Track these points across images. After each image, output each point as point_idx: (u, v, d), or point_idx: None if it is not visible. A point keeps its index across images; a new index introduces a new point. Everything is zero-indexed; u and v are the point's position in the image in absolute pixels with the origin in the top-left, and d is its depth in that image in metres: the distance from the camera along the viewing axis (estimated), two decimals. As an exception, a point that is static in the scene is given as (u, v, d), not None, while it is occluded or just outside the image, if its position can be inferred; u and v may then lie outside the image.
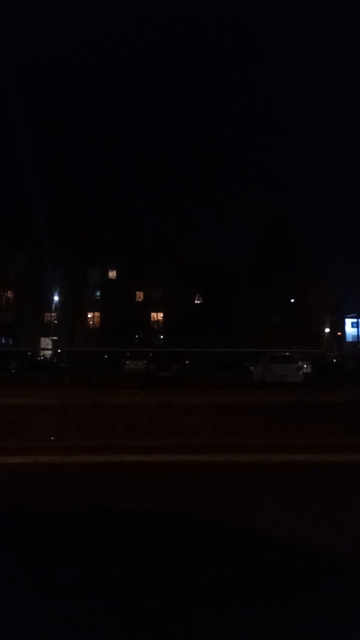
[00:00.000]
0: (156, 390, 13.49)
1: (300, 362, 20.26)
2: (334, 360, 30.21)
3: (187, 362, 23.34)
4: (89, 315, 49.19)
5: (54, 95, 62.25)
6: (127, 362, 25.71)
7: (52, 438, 9.80)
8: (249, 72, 61.48)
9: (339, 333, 50.38)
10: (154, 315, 49.34)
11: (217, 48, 62.21)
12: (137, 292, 49.18)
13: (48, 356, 32.70)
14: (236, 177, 54.72)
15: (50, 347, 42.94)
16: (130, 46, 63.04)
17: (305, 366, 20.67)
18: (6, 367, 25.04)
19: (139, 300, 49.24)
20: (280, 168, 60.23)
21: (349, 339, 47.16)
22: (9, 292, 46.22)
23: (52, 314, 46.18)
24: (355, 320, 45.54)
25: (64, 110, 61.70)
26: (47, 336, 46.60)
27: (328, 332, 48.99)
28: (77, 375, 21.30)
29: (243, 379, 18.96)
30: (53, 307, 44.99)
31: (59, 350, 35.86)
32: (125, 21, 60.84)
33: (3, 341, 42.46)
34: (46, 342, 46.91)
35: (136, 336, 45.85)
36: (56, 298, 44.13)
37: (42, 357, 35.20)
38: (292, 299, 43.33)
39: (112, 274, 50.11)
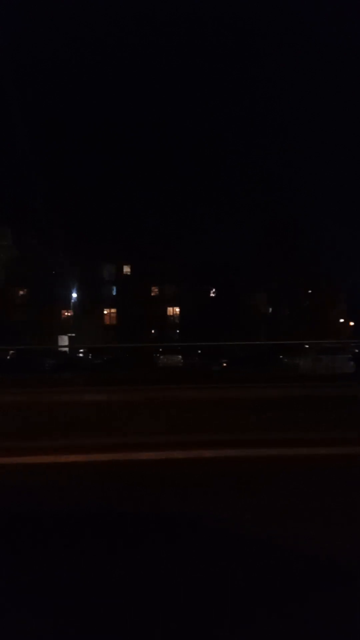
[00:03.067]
0: (220, 385, 13.66)
1: (351, 354, 20.43)
2: (357, 351, 30.32)
3: (224, 357, 23.52)
4: (105, 312, 49.41)
5: (54, 95, 62.27)
6: (161, 357, 25.84)
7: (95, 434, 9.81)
8: (249, 72, 61.54)
9: (351, 323, 50.83)
10: (170, 310, 49.62)
11: (217, 48, 62.16)
12: (153, 288, 49.38)
13: (78, 353, 32.79)
14: (244, 177, 54.93)
15: (80, 344, 43.10)
16: (130, 46, 62.99)
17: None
18: (41, 365, 25.17)
19: (154, 295, 49.49)
20: (285, 167, 60.55)
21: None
22: (25, 291, 46.36)
23: (69, 311, 46.51)
24: None
25: (67, 111, 61.69)
26: (64, 334, 46.92)
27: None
28: (117, 371, 21.40)
29: (292, 372, 19.15)
30: (71, 305, 45.29)
31: (77, 348, 36.18)
32: (125, 21, 60.74)
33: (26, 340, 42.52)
34: (63, 340, 47.22)
35: (152, 331, 46.11)
36: (74, 295, 44.52)
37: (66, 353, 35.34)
38: (309, 296, 43.67)
39: (127, 270, 50.32)
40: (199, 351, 25.67)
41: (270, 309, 47.13)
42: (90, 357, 26.51)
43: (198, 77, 64.33)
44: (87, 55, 64.41)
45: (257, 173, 52.94)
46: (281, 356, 22.82)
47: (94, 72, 64.95)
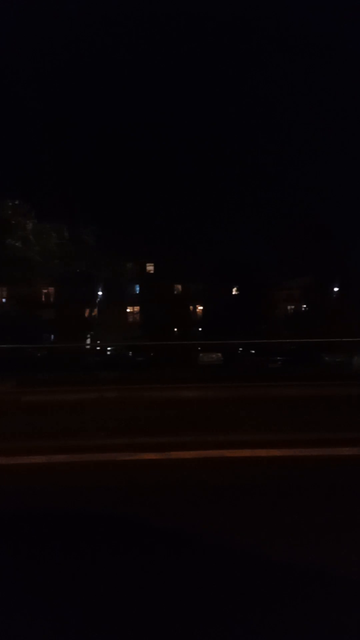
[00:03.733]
0: (295, 383, 13.75)
1: None
2: None
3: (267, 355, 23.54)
4: (129, 310, 49.49)
5: (67, 98, 62.18)
6: (201, 355, 25.92)
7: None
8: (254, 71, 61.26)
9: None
10: (193, 307, 49.61)
11: (218, 48, 61.75)
12: (177, 286, 49.38)
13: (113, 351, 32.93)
14: (265, 175, 55.06)
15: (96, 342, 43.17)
16: (130, 46, 62.77)
17: None
18: (83, 362, 25.39)
19: (177, 293, 49.49)
20: (305, 164, 60.46)
21: None
22: (50, 289, 46.43)
23: (94, 310, 46.58)
24: None
25: (80, 112, 61.62)
26: (89, 331, 47.10)
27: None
28: (164, 368, 21.46)
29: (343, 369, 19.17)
30: (97, 303, 45.38)
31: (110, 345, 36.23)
32: (126, 21, 60.52)
33: (53, 338, 42.68)
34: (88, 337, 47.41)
35: (174, 329, 46.06)
36: (100, 293, 44.62)
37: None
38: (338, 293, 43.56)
39: (150, 269, 50.41)
40: (240, 349, 25.72)
41: (293, 307, 47.14)
42: (130, 354, 26.63)
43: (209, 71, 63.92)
44: (87, 57, 64.06)
45: (277, 170, 52.94)
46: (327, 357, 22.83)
47: (95, 73, 64.71)
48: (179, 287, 49.31)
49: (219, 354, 25.51)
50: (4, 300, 44.89)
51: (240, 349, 26.01)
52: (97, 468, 5.39)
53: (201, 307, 49.32)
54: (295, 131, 59.36)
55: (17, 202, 39.34)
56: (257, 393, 12.06)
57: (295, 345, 23.99)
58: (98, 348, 33.93)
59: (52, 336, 42.68)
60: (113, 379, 16.50)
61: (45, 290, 41.36)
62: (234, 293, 48.35)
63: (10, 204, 39.36)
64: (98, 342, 41.51)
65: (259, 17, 64.59)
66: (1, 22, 51.04)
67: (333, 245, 41.72)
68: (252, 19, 60.97)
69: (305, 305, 44.60)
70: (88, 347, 37.56)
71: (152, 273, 50.04)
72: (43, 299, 41.12)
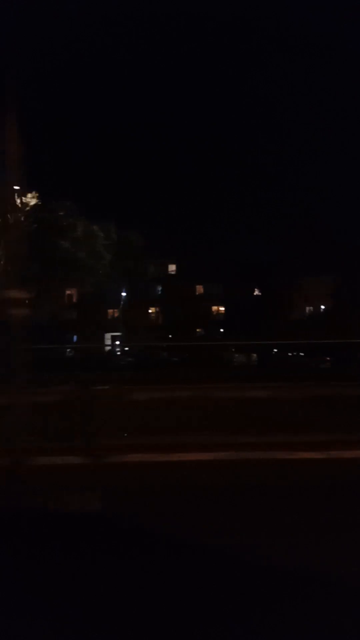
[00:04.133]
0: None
1: None
2: None
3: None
4: (151, 310, 49.65)
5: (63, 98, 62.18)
6: (236, 355, 26.07)
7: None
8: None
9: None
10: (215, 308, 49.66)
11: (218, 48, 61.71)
12: (198, 286, 49.43)
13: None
14: (270, 176, 55.32)
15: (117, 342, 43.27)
16: (130, 46, 62.83)
17: None
18: (116, 362, 25.49)
19: (199, 293, 49.55)
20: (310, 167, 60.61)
21: None
22: (73, 290, 46.66)
23: (116, 310, 46.80)
24: None
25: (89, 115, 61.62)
26: (110, 332, 47.23)
27: None
28: (202, 368, 21.32)
29: None
30: (121, 304, 45.65)
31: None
32: (126, 21, 60.63)
33: (75, 339, 42.86)
34: (108, 338, 47.54)
35: (197, 329, 46.00)
36: (124, 294, 44.92)
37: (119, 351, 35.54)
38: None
39: (172, 269, 50.49)
40: (274, 350, 25.82)
41: (311, 308, 47.11)
42: (165, 354, 26.81)
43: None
44: (87, 57, 64.16)
45: (277, 170, 52.99)
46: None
47: (95, 73, 64.79)
48: (209, 287, 49.41)
49: (254, 355, 25.75)
50: (26, 301, 44.97)
51: (275, 350, 26.15)
52: (261, 466, 5.36)
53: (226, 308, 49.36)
54: (295, 131, 59.44)
55: (67, 204, 39.83)
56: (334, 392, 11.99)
57: (331, 345, 23.99)
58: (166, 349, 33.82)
59: (75, 337, 42.94)
60: (174, 378, 16.50)
61: (87, 292, 41.55)
62: (257, 294, 48.41)
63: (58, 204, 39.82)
64: (121, 342, 41.62)
65: (259, 17, 64.78)
66: (1, 22, 51.10)
67: (351, 243, 41.82)
68: (252, 19, 61.07)
69: (324, 306, 44.60)
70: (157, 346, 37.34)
71: (183, 273, 50.14)
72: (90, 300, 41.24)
